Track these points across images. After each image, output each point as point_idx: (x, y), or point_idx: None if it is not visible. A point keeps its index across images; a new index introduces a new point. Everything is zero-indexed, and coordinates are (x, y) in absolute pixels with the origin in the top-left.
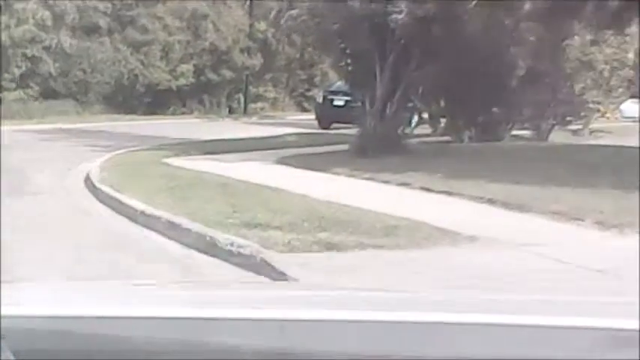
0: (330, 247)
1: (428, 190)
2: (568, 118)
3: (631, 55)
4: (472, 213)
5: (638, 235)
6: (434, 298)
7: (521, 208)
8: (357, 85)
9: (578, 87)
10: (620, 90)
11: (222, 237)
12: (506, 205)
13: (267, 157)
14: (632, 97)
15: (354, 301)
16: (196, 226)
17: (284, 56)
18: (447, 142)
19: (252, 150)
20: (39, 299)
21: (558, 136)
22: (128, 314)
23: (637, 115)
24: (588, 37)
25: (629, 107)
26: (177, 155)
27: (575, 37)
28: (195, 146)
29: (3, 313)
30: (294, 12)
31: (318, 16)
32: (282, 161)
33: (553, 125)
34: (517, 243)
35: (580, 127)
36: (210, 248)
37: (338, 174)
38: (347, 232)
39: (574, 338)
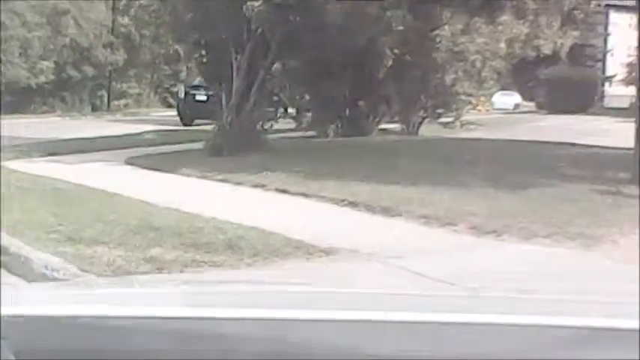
0: (160, 266)
1: (284, 192)
2: (439, 111)
3: (503, 45)
4: (332, 219)
5: (516, 242)
6: (434, 298)
7: (387, 211)
8: (213, 78)
9: (449, 78)
10: (492, 82)
11: (38, 256)
12: (370, 208)
13: (117, 157)
14: (503, 88)
15: (353, 301)
16: (13, 243)
17: (148, 51)
18: (312, 137)
19: (103, 149)
20: (39, 299)
21: (429, 130)
22: (128, 314)
23: (508, 107)
24: (459, 26)
25: (500, 99)
26: (18, 157)
27: (446, 27)
28: (43, 146)
29: (3, 313)
30: (144, 0)
31: (170, 6)
32: (131, 161)
33: (423, 118)
34: (380, 255)
35: (451, 119)
36: (26, 270)
37: (188, 175)
38: (184, 246)
39: (574, 338)
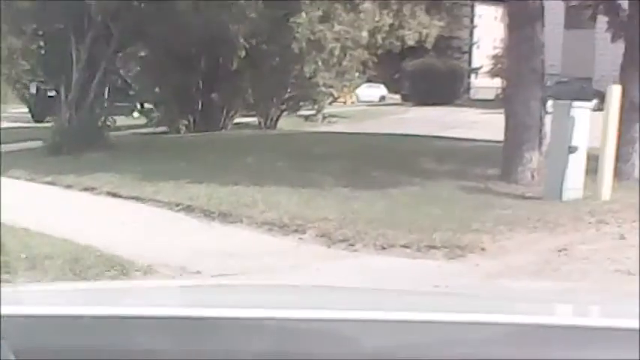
0: None
1: (116, 195)
2: (300, 103)
3: (365, 34)
4: (163, 227)
5: (372, 253)
6: (434, 298)
7: (226, 217)
8: (53, 71)
9: (308, 69)
10: (357, 74)
11: None
12: (208, 213)
13: None
14: (369, 80)
15: (354, 301)
16: None
17: (5, 45)
18: (164, 133)
19: None
20: (39, 299)
21: (289, 123)
22: (128, 314)
23: (374, 99)
24: (318, 14)
25: (366, 91)
26: None
27: (303, 14)
28: None
29: (3, 313)
30: None
31: None
32: None
33: (282, 111)
34: (208, 273)
35: (313, 112)
36: None
37: (17, 178)
38: None
39: (574, 338)
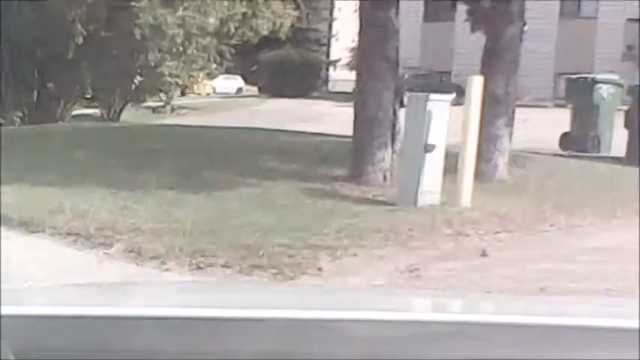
0: None
1: None
2: (146, 94)
3: (212, 21)
4: None
5: (187, 273)
6: (434, 298)
7: (27, 226)
8: None
9: (153, 57)
10: (215, 65)
11: None
12: (8, 221)
13: None
14: (227, 72)
15: (354, 301)
16: None
17: None
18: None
19: None
20: (39, 299)
21: (135, 115)
22: (128, 314)
23: (230, 91)
24: None
25: (222, 82)
26: None
27: None
28: None
29: (3, 313)
30: None
31: None
32: None
33: (126, 102)
34: None
35: (162, 103)
36: None
37: None
38: None
39: (574, 338)
